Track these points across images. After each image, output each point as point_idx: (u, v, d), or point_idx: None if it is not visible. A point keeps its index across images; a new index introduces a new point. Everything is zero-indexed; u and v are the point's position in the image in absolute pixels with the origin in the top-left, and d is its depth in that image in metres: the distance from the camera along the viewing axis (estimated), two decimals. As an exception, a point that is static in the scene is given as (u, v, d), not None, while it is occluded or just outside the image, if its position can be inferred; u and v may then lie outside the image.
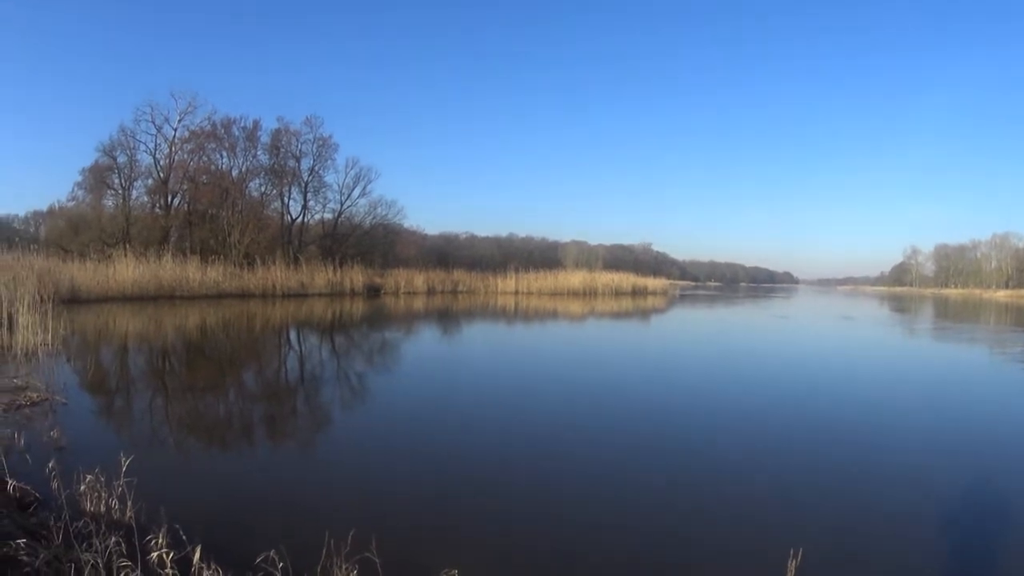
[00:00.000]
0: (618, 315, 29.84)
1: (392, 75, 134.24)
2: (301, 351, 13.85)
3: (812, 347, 17.84)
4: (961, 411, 8.91)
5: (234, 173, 36.68)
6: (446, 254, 52.06)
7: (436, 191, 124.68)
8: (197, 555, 2.95)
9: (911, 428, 7.62)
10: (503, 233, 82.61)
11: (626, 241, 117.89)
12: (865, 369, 13.30)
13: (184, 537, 3.16)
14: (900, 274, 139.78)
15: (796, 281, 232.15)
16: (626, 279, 53.37)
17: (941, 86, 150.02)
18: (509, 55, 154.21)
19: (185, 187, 34.92)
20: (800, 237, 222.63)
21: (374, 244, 42.46)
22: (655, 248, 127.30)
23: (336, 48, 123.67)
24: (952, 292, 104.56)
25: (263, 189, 38.51)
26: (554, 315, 27.62)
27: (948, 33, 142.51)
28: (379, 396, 8.97)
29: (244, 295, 29.00)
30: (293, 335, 16.65)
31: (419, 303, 31.02)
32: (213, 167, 36.03)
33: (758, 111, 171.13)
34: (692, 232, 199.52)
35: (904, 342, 20.52)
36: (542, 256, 70.35)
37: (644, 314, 30.94)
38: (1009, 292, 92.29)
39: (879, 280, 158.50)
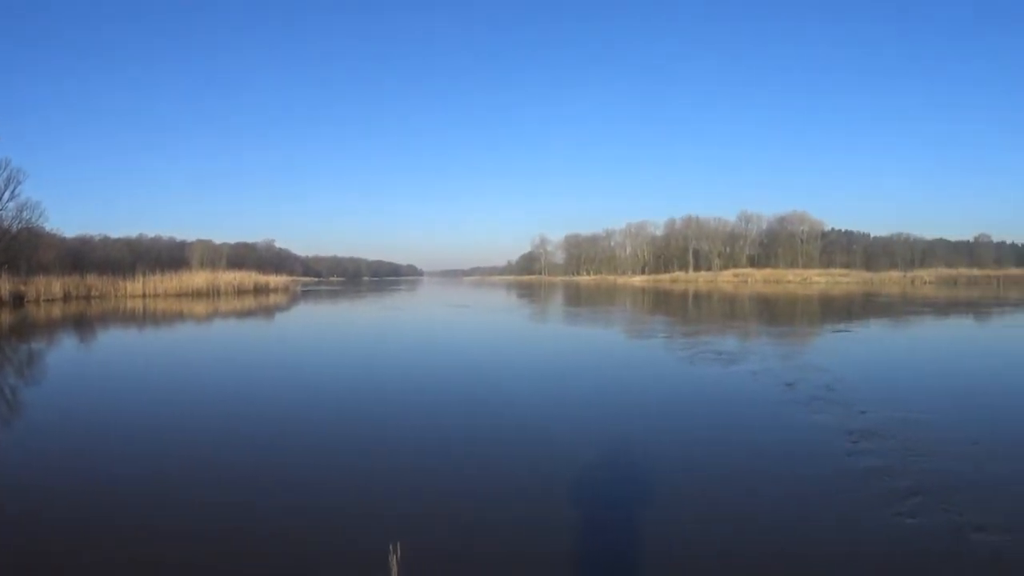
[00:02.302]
0: (240, 314, 32.26)
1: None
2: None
3: (419, 336, 20.47)
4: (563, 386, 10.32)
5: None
6: (82, 256, 55.72)
7: (73, 187, 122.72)
8: None
9: (520, 406, 8.50)
10: (134, 233, 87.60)
11: (250, 239, 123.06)
12: (466, 352, 15.31)
13: None
14: (528, 263, 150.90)
15: (421, 273, 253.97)
16: (248, 277, 59.33)
17: (582, 82, 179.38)
18: (132, 43, 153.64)
19: None
20: (426, 230, 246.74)
21: (20, 250, 45.16)
22: (278, 245, 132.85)
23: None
24: (584, 279, 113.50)
25: (-77, 195, 39.70)
26: (180, 317, 29.90)
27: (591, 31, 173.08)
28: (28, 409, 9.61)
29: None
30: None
31: (58, 310, 33.21)
32: None
33: (380, 106, 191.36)
34: (315, 227, 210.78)
35: (515, 326, 23.76)
36: (170, 256, 76.07)
37: (267, 312, 34.06)
38: (645, 277, 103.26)
39: (506, 269, 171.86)
